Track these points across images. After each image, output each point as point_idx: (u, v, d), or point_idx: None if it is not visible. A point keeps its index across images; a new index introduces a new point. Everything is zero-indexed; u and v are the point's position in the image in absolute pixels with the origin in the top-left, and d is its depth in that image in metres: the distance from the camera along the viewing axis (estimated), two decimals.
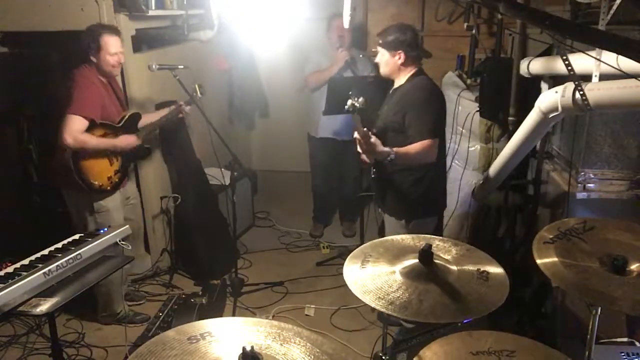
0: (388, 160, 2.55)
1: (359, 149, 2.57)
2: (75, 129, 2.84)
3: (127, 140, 3.09)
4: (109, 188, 3.08)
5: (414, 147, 2.61)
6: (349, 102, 2.41)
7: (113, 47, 2.96)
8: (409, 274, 1.73)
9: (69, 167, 2.89)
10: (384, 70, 2.77)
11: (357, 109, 2.39)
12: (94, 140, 2.94)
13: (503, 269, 1.79)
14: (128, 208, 3.36)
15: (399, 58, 2.69)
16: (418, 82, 2.72)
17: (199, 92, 3.32)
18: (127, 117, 3.14)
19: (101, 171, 3.03)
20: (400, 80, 2.77)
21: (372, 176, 2.82)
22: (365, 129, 2.52)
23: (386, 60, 2.73)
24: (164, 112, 3.37)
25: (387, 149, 2.53)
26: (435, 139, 2.62)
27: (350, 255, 1.88)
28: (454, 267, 1.78)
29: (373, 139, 2.50)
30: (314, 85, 4.19)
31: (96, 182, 3.00)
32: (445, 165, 3.04)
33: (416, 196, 2.78)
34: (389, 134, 2.72)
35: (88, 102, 2.90)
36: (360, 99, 2.38)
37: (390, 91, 2.86)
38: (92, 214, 3.06)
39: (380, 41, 2.72)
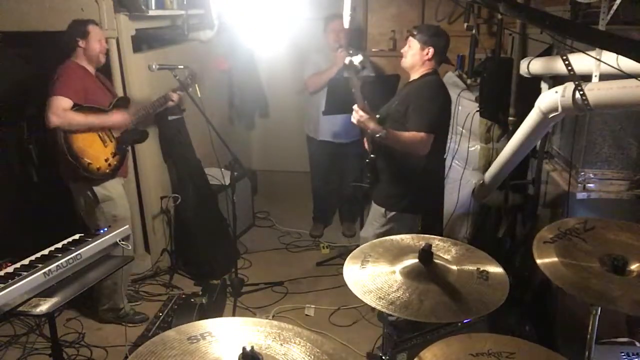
0: (377, 137, 2.65)
1: (352, 119, 2.70)
2: (59, 107, 2.86)
3: (119, 117, 3.10)
4: (108, 171, 3.08)
5: (407, 134, 2.68)
6: (347, 59, 2.47)
7: (99, 34, 3.06)
8: (409, 273, 1.73)
9: (62, 150, 2.90)
10: (407, 61, 2.81)
11: (353, 66, 2.45)
12: (80, 117, 2.94)
13: (503, 268, 1.79)
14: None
15: (427, 53, 2.75)
16: (429, 80, 2.78)
17: (198, 90, 3.33)
18: (114, 101, 3.16)
19: (96, 153, 3.03)
20: (414, 75, 2.83)
21: (367, 160, 2.85)
22: (365, 102, 2.62)
23: (414, 52, 2.78)
24: (153, 99, 3.40)
25: (380, 126, 2.66)
26: (430, 134, 2.67)
27: (350, 255, 1.88)
28: (454, 267, 1.78)
29: (370, 113, 2.62)
30: (313, 88, 4.18)
31: (93, 164, 3.00)
32: (441, 166, 3.04)
33: (401, 189, 2.83)
34: (388, 122, 2.78)
35: (70, 84, 2.93)
36: (358, 57, 2.46)
37: (405, 83, 2.94)
38: (97, 203, 3.07)
39: (415, 32, 2.77)
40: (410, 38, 2.80)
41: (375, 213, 2.97)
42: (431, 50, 2.75)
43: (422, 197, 2.87)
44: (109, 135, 3.11)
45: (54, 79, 2.94)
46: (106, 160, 3.07)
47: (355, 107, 2.64)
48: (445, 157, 3.08)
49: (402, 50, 2.87)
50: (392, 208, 2.87)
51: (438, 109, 2.75)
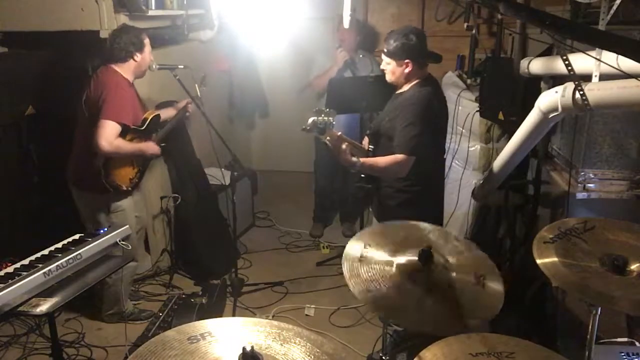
0: (353, 170, 2.52)
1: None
2: (111, 134, 2.82)
3: (152, 149, 3.13)
4: (130, 188, 3.11)
5: (384, 160, 2.54)
6: (310, 120, 2.30)
7: (149, 46, 3.04)
8: (408, 275, 1.74)
9: (98, 171, 2.88)
10: (390, 78, 2.63)
11: (317, 128, 2.31)
12: (126, 145, 2.94)
13: (503, 269, 1.79)
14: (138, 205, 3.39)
15: (406, 67, 2.53)
16: (420, 94, 2.56)
17: (198, 90, 3.32)
18: (149, 120, 3.12)
19: (126, 174, 3.06)
20: (404, 88, 2.64)
21: (362, 175, 2.72)
22: (339, 133, 2.44)
23: (392, 70, 2.57)
24: (172, 111, 3.38)
25: (354, 159, 2.48)
26: (410, 156, 2.50)
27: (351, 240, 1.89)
28: (453, 273, 1.78)
29: (344, 146, 2.45)
30: (319, 90, 4.16)
31: (121, 185, 3.02)
32: (438, 180, 2.88)
33: (396, 205, 2.69)
34: (382, 140, 2.66)
35: (122, 107, 2.88)
36: (329, 115, 2.30)
37: (394, 94, 2.74)
38: (108, 214, 3.06)
39: (385, 50, 2.55)
40: (383, 55, 2.56)
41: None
42: (409, 63, 2.52)
43: (418, 211, 2.63)
44: (140, 158, 3.13)
45: (102, 95, 2.84)
46: (131, 180, 3.10)
47: (327, 139, 2.44)
48: (445, 157, 3.02)
49: (382, 67, 2.65)
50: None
51: (422, 130, 2.50)
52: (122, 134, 2.91)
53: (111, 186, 2.96)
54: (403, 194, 2.67)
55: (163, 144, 3.31)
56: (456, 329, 1.57)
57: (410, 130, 2.50)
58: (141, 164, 3.18)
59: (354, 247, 1.83)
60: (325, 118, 2.32)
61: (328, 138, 2.43)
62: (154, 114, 3.19)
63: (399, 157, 2.52)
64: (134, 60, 2.97)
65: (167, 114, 3.36)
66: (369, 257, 1.79)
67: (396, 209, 2.70)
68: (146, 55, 3.02)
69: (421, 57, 2.56)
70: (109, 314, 3.30)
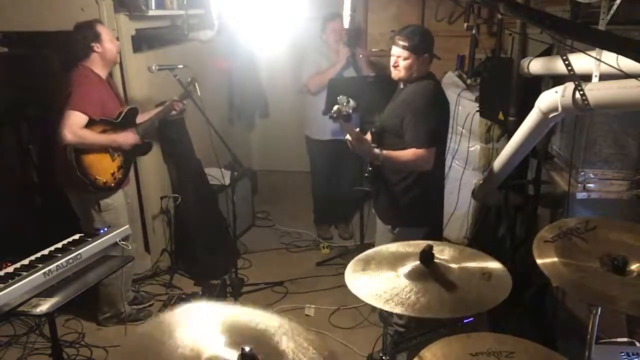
0: (377, 163, 2.56)
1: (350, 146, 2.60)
2: (74, 124, 2.82)
3: (127, 137, 3.08)
4: (113, 185, 3.07)
5: (406, 153, 2.56)
6: (335, 107, 2.33)
7: (109, 32, 3.01)
8: (410, 274, 1.74)
9: (71, 165, 2.86)
10: (403, 74, 2.61)
11: (342, 115, 2.34)
12: (93, 136, 2.91)
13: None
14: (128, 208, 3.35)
15: (423, 61, 2.60)
16: (424, 86, 2.62)
17: (196, 88, 3.32)
18: (124, 112, 3.11)
19: (104, 167, 3.01)
20: (408, 83, 2.68)
21: (366, 175, 2.75)
22: (357, 129, 2.50)
23: (409, 64, 2.58)
24: (159, 109, 3.36)
25: (377, 151, 2.53)
26: (430, 148, 2.54)
27: (355, 259, 1.89)
28: (455, 266, 1.78)
29: (365, 139, 2.49)
30: (315, 89, 4.13)
31: (100, 178, 2.98)
32: (442, 176, 2.91)
33: (404, 204, 2.71)
34: (387, 136, 2.68)
35: (87, 98, 2.88)
36: (349, 104, 2.34)
37: (397, 90, 2.78)
38: (99, 212, 3.05)
39: (406, 44, 2.56)
40: (401, 50, 2.58)
41: (383, 230, 2.88)
42: (427, 56, 2.60)
43: (426, 209, 2.75)
44: (116, 150, 3.08)
45: (69, 89, 2.86)
46: (112, 174, 3.06)
47: (347, 137, 2.52)
48: (444, 158, 3.03)
49: (392, 66, 2.64)
50: (398, 224, 2.76)
51: (435, 121, 2.59)
52: (91, 126, 2.89)
53: (88, 179, 2.91)
54: (411, 192, 2.69)
55: (148, 140, 3.28)
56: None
57: (422, 122, 2.54)
58: (122, 156, 3.11)
59: (356, 280, 1.80)
60: (347, 107, 2.36)
61: (348, 131, 2.49)
62: (130, 107, 3.17)
63: (419, 151, 2.53)
64: (95, 51, 2.95)
65: (155, 111, 3.33)
66: (375, 277, 1.78)
67: (405, 208, 2.72)
68: (105, 43, 2.97)
69: (433, 52, 2.64)
70: (105, 317, 3.28)
